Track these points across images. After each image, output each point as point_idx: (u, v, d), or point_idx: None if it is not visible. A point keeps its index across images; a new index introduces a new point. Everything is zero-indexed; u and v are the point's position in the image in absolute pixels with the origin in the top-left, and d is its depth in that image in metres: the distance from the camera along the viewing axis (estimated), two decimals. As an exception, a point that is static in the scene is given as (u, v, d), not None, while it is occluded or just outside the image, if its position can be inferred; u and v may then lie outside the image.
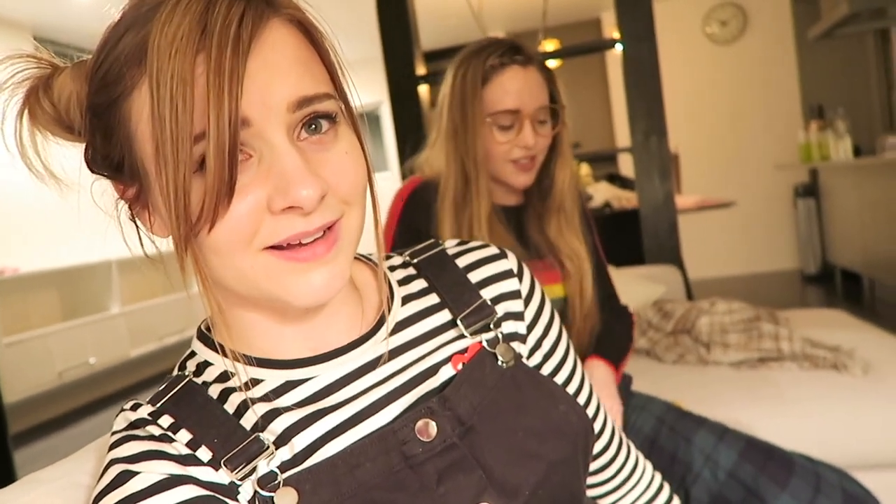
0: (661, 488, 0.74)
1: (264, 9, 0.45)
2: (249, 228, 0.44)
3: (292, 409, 0.51)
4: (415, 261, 0.63)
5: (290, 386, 0.53)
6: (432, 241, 0.66)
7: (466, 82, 1.15)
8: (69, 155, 0.53)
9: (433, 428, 0.50)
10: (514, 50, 1.16)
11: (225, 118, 0.41)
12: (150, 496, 0.45)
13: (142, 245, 0.53)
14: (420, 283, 0.62)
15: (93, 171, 0.52)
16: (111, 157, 0.49)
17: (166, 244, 0.52)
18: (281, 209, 0.44)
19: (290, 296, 0.47)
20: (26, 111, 0.51)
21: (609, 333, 1.24)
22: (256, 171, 0.45)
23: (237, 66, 0.41)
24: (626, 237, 2.79)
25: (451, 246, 0.65)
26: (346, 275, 0.49)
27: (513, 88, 1.14)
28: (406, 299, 0.60)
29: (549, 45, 5.16)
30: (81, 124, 0.50)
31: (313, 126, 0.47)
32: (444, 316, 0.59)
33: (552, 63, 5.50)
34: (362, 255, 0.62)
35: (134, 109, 0.45)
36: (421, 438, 0.50)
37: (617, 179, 4.04)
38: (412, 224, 1.19)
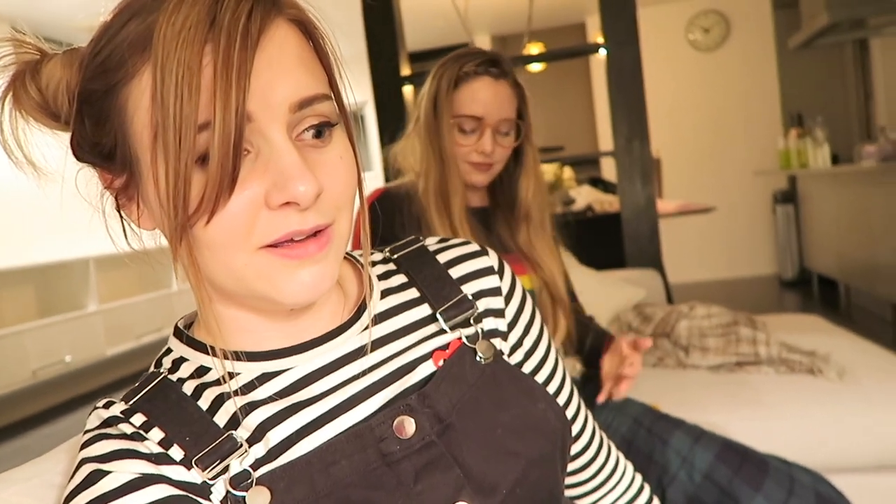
0: (641, 489, 0.74)
1: (270, 7, 0.45)
2: (246, 224, 0.45)
3: (268, 401, 0.51)
4: (395, 256, 0.63)
5: (266, 378, 0.52)
6: (412, 237, 0.66)
7: (441, 83, 1.22)
8: (51, 144, 0.52)
9: (411, 425, 0.50)
10: (491, 62, 1.22)
11: (231, 110, 0.41)
12: (122, 496, 0.45)
13: (126, 238, 0.52)
14: (400, 278, 0.61)
15: (79, 159, 0.51)
16: (102, 144, 0.48)
17: (151, 238, 0.52)
18: (278, 205, 0.44)
19: (279, 294, 0.47)
20: (10, 96, 0.50)
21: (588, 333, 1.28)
22: (253, 167, 0.45)
23: (245, 60, 0.42)
24: (607, 241, 2.80)
25: (431, 243, 0.65)
26: (335, 276, 0.49)
27: (480, 97, 1.20)
28: (385, 293, 0.60)
29: (534, 49, 5.18)
30: (69, 112, 0.50)
31: (315, 132, 0.48)
32: (424, 310, 0.59)
33: (536, 66, 5.52)
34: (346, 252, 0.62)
35: (132, 97, 0.45)
36: (398, 436, 0.50)
37: (599, 183, 4.06)
38: (374, 233, 1.21)
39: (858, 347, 1.74)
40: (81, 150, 0.50)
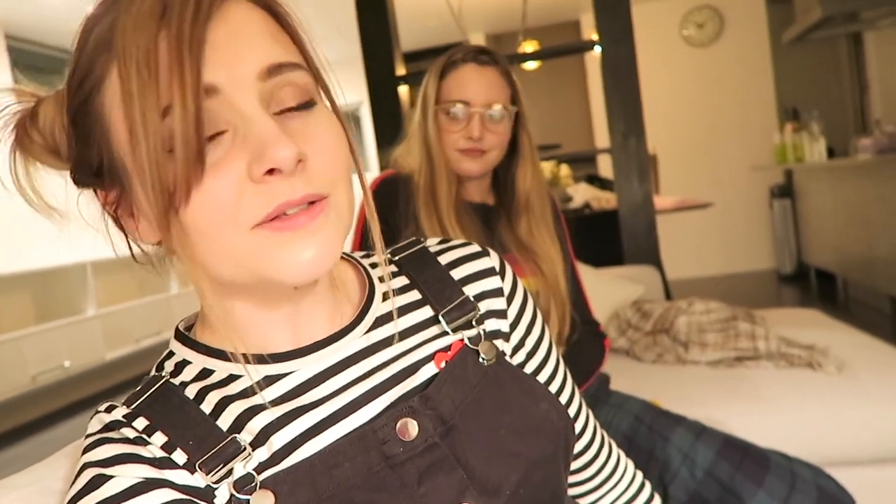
0: (641, 487, 0.74)
1: None
2: (233, 202, 0.44)
3: (271, 407, 0.51)
4: (396, 258, 0.63)
5: (269, 381, 0.52)
6: (413, 238, 0.66)
7: (430, 76, 1.25)
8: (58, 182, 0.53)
9: (414, 427, 0.50)
10: (478, 52, 1.23)
11: (189, 84, 0.41)
12: (125, 500, 0.45)
13: (131, 252, 0.52)
14: (401, 280, 0.61)
15: (78, 185, 0.51)
16: (90, 162, 0.48)
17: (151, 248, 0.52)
18: (261, 174, 0.43)
19: (279, 272, 0.45)
20: (16, 144, 0.51)
21: (575, 357, 1.25)
22: (232, 144, 0.44)
23: (197, 32, 0.42)
24: (605, 238, 2.81)
25: (432, 244, 0.65)
26: (336, 252, 0.47)
27: (465, 82, 1.21)
28: (386, 296, 0.59)
29: (529, 47, 5.19)
30: (67, 146, 0.50)
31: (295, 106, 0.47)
32: (426, 312, 0.59)
33: (532, 64, 5.53)
34: (344, 253, 0.62)
35: (107, 99, 0.45)
36: (401, 438, 0.49)
37: (596, 180, 4.06)
38: (378, 214, 1.21)
39: (857, 341, 1.74)
40: (77, 174, 0.50)
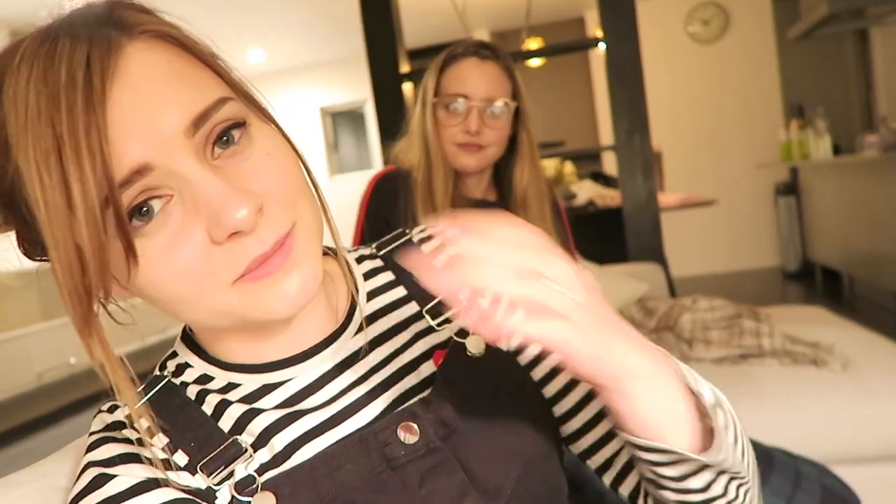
0: None
1: (112, 39, 0.41)
2: (204, 267, 0.42)
3: (271, 410, 0.51)
4: (381, 253, 0.62)
5: (267, 389, 0.52)
6: (399, 231, 0.65)
7: (431, 70, 1.24)
8: None
9: (415, 430, 0.50)
10: (480, 46, 1.23)
11: (90, 182, 0.38)
12: (127, 500, 0.45)
13: (108, 312, 0.52)
14: (386, 276, 0.61)
15: (30, 258, 0.49)
16: (38, 241, 0.46)
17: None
18: (224, 238, 0.42)
19: (268, 313, 0.45)
20: None
21: None
22: (184, 210, 0.42)
23: (94, 119, 0.38)
24: (609, 235, 2.80)
25: (416, 233, 0.64)
26: (319, 274, 0.46)
27: (464, 76, 1.21)
28: (371, 294, 0.59)
29: (533, 44, 5.17)
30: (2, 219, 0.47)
31: (225, 138, 0.44)
32: (412, 308, 0.59)
33: (536, 62, 5.51)
34: (326, 247, 0.61)
35: (29, 193, 0.41)
36: (402, 441, 0.49)
37: (601, 178, 4.06)
38: (379, 210, 1.22)
39: (862, 338, 1.74)
40: (24, 248, 0.49)
